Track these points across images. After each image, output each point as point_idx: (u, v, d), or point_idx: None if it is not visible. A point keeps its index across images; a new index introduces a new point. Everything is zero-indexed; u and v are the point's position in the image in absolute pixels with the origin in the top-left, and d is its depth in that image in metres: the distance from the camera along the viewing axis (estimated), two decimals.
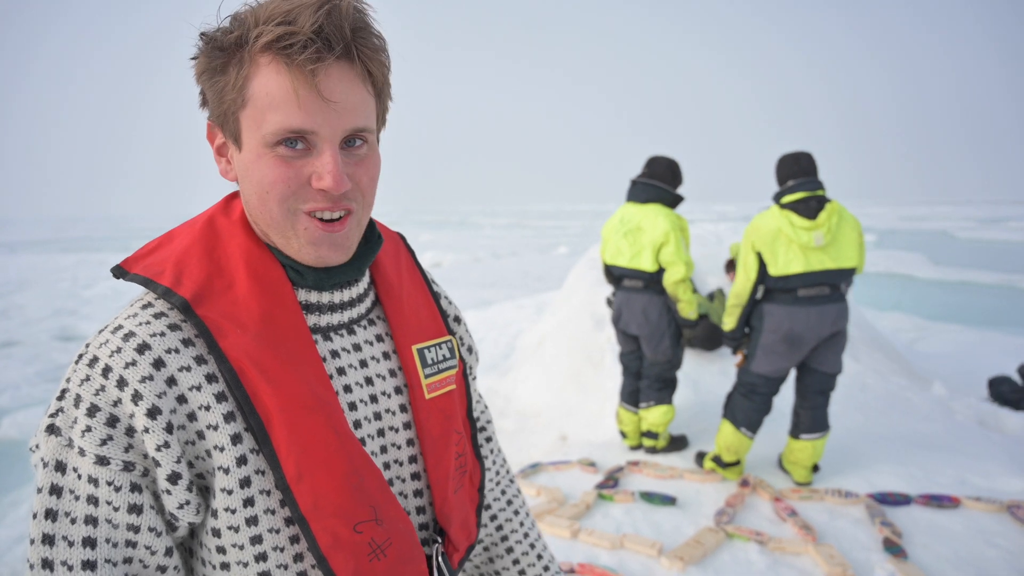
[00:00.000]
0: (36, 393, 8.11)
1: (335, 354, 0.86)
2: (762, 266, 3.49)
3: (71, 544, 0.72)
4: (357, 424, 0.86)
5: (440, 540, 0.94)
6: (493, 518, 1.15)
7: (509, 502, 1.17)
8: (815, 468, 3.68)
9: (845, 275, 3.43)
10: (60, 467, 0.72)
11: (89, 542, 0.72)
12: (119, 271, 0.80)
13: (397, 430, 0.91)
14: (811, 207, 3.37)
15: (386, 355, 0.92)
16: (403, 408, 0.92)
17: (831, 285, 3.43)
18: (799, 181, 3.44)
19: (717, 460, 3.73)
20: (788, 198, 3.43)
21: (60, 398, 0.74)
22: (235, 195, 0.89)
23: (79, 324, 12.60)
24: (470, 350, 1.11)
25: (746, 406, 3.63)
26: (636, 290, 3.99)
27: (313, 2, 0.72)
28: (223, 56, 0.75)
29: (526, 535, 1.16)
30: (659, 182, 3.97)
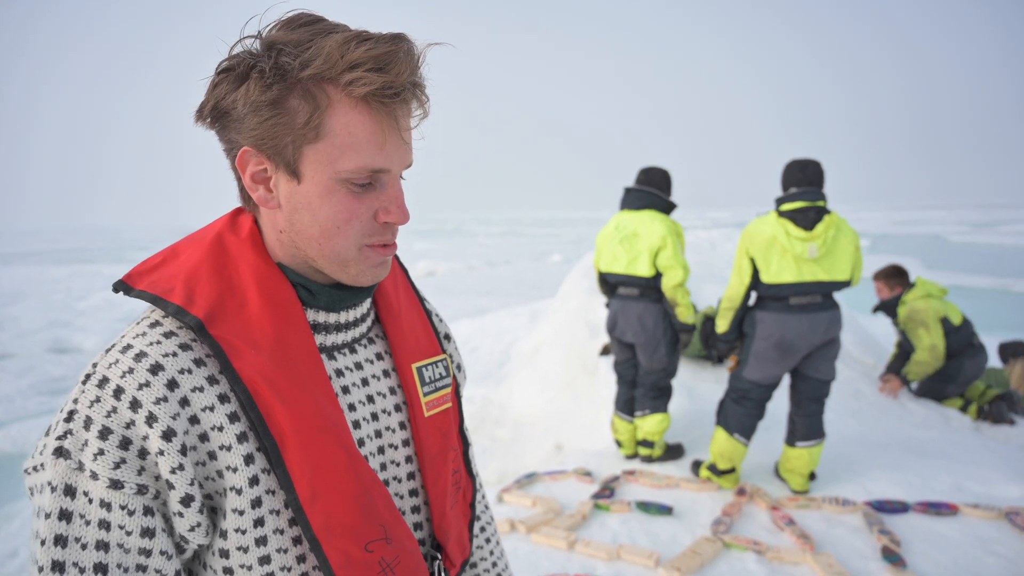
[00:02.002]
0: (30, 406, 8.07)
1: (339, 373, 0.87)
2: (755, 272, 3.50)
3: (82, 571, 0.71)
4: (360, 442, 0.86)
5: (439, 556, 0.95)
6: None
7: (483, 529, 1.17)
8: (812, 476, 3.67)
9: (837, 287, 3.43)
10: (69, 491, 0.71)
11: (101, 568, 0.71)
12: (122, 286, 0.80)
13: (396, 447, 0.92)
14: (809, 218, 3.35)
15: (386, 373, 0.93)
16: (402, 425, 0.93)
17: (824, 293, 3.44)
18: (801, 190, 3.41)
19: (712, 468, 3.72)
20: (787, 206, 3.42)
21: (68, 420, 0.72)
22: (239, 211, 0.88)
23: (73, 336, 12.55)
24: (459, 368, 1.12)
25: (738, 412, 3.63)
26: (632, 298, 3.99)
27: (400, 49, 0.74)
28: (283, 86, 0.74)
29: (494, 564, 1.17)
30: (653, 189, 3.99)
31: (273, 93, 0.73)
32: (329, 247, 0.79)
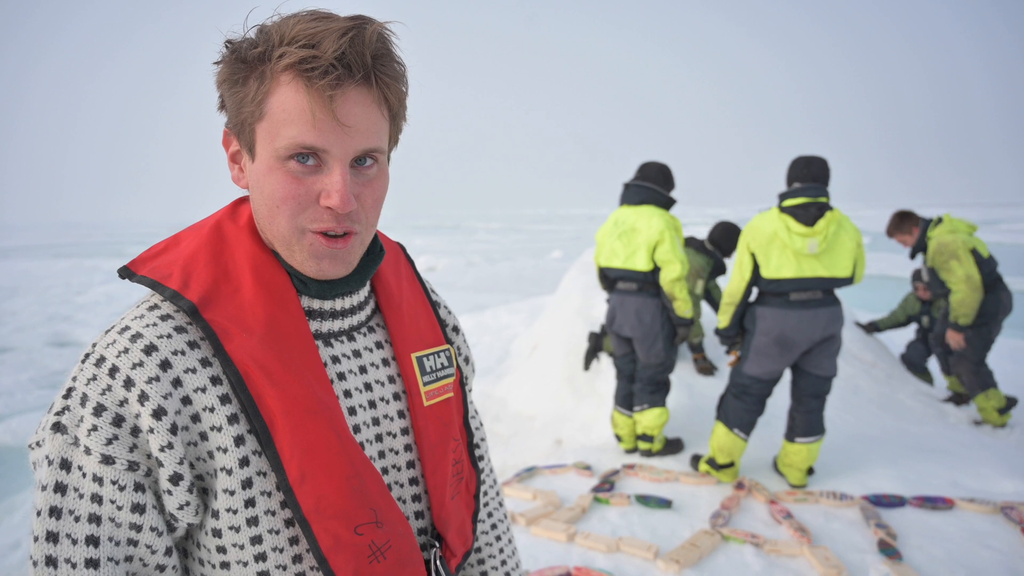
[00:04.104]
0: (30, 400, 8.07)
1: (335, 359, 0.88)
2: (757, 268, 3.52)
3: (75, 542, 0.73)
4: (356, 429, 0.87)
5: (438, 545, 0.96)
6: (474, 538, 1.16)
7: (494, 526, 1.17)
8: (810, 471, 3.69)
9: (838, 283, 3.44)
10: (65, 465, 0.73)
11: (92, 540, 0.73)
12: (126, 272, 0.82)
13: (395, 435, 0.92)
14: (810, 214, 3.37)
15: (385, 362, 0.94)
16: (401, 414, 0.93)
17: (824, 289, 3.45)
18: (804, 186, 3.43)
19: (711, 462, 3.74)
20: (789, 202, 3.43)
21: (66, 396, 0.75)
22: (242, 200, 0.91)
23: (73, 330, 12.55)
24: (467, 360, 1.12)
25: (738, 407, 3.65)
26: (630, 292, 4.01)
27: (339, 28, 0.74)
28: (245, 68, 0.77)
29: (503, 563, 1.17)
30: (652, 184, 4.01)
31: (234, 74, 0.77)
32: (274, 227, 0.81)
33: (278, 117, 0.76)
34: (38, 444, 0.76)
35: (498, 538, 1.16)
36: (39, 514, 0.73)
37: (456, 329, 1.11)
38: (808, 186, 3.43)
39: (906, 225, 5.00)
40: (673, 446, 4.22)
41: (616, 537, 3.07)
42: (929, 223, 4.86)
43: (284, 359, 0.80)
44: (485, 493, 1.17)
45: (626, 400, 4.25)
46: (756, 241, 3.48)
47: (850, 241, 3.41)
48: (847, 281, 3.45)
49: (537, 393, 5.72)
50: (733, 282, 3.61)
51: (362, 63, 0.75)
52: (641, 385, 4.10)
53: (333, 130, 0.76)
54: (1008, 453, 4.11)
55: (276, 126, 0.76)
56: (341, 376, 0.87)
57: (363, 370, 0.90)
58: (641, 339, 4.01)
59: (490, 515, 1.17)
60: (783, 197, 3.49)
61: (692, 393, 4.94)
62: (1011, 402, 4.78)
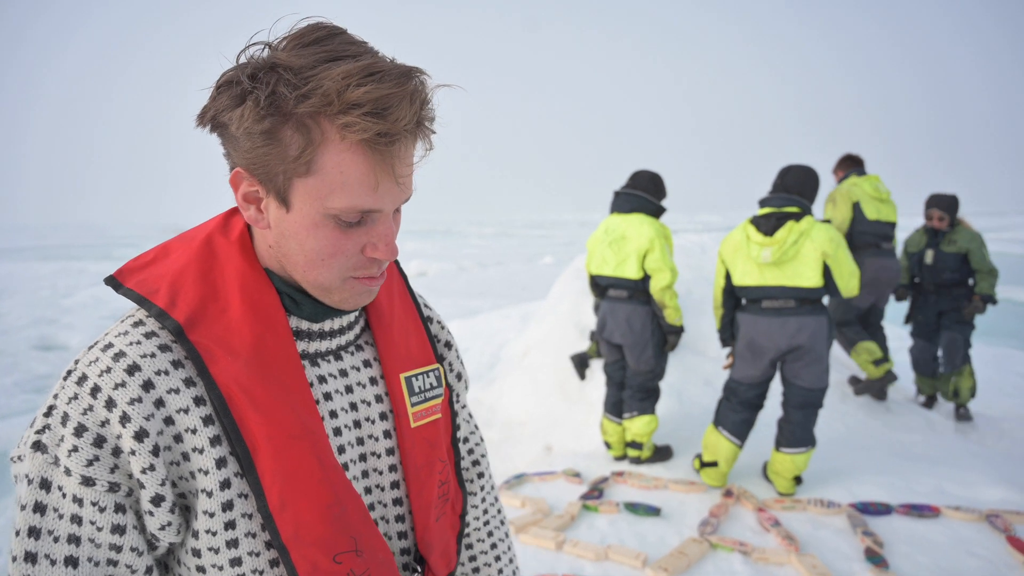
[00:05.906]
0: (14, 404, 7.99)
1: (322, 379, 0.86)
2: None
3: (53, 563, 0.71)
4: (341, 449, 0.86)
5: (420, 569, 0.95)
6: (472, 559, 1.13)
7: (494, 545, 1.15)
8: (798, 479, 3.71)
9: (806, 293, 3.44)
10: (45, 485, 0.72)
11: (71, 561, 0.72)
12: (112, 282, 0.80)
13: (380, 456, 0.90)
14: (770, 223, 3.46)
15: (373, 380, 0.92)
16: (387, 434, 0.91)
17: (798, 299, 3.47)
18: (772, 196, 3.57)
19: (701, 459, 3.84)
20: (759, 211, 3.57)
21: (47, 414, 0.73)
22: (234, 212, 0.88)
23: (59, 333, 12.44)
24: (459, 377, 1.09)
25: (725, 406, 3.77)
26: (620, 300, 4.03)
27: (406, 91, 0.70)
28: (277, 120, 0.71)
29: (500, 572, 1.14)
30: (642, 193, 4.04)
31: (266, 124, 0.71)
32: (313, 276, 0.79)
33: (333, 179, 0.73)
34: (18, 459, 0.75)
35: (497, 559, 1.14)
36: (18, 534, 0.72)
37: (448, 344, 1.07)
38: (775, 196, 3.55)
39: (843, 166, 5.07)
40: (662, 453, 4.22)
41: (605, 545, 3.07)
42: (852, 175, 4.90)
43: (269, 383, 0.78)
44: (486, 511, 1.15)
45: (615, 407, 4.26)
46: (725, 250, 3.67)
47: (814, 251, 3.40)
48: (819, 291, 3.45)
49: (527, 399, 5.71)
50: (714, 288, 3.82)
51: (418, 121, 0.74)
52: (631, 392, 4.11)
53: (390, 190, 0.75)
54: (994, 461, 4.13)
55: (330, 187, 0.73)
56: (327, 396, 0.86)
57: (349, 389, 0.89)
58: (631, 346, 4.03)
59: (491, 534, 1.14)
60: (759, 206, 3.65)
61: (682, 400, 4.95)
62: (884, 357, 4.87)
